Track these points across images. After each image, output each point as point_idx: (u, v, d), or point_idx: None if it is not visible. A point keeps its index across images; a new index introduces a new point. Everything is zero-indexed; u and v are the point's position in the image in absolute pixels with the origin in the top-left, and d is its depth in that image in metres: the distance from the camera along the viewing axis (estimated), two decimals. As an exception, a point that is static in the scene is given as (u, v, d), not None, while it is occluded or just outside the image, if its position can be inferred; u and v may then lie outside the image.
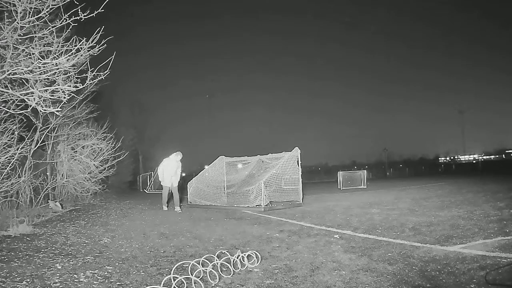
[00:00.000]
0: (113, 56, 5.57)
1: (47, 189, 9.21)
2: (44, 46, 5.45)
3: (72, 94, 5.69)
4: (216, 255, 3.45)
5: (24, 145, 7.27)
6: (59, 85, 5.44)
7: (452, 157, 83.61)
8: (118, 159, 11.17)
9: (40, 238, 5.12)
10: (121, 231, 5.78)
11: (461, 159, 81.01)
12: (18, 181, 7.56)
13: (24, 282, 3.01)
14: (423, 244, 4.07)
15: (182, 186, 10.58)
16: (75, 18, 5.09)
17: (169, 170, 9.08)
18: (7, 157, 6.75)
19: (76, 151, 10.59)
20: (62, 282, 3.03)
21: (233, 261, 3.36)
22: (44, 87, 5.61)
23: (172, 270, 3.07)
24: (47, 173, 9.83)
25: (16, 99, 6.12)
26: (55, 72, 5.40)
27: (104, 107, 13.36)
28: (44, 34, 5.41)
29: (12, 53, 5.33)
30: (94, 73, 5.41)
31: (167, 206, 9.21)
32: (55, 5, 5.19)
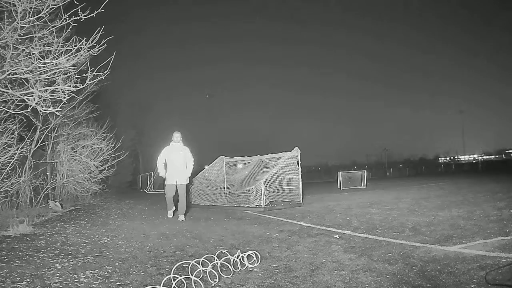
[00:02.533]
0: (113, 56, 5.58)
1: (47, 189, 9.20)
2: (44, 46, 5.45)
3: (72, 94, 5.69)
4: (216, 255, 3.46)
5: (24, 145, 7.27)
6: (59, 85, 5.44)
7: (452, 157, 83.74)
8: (118, 159, 11.16)
9: (40, 238, 5.12)
10: (121, 231, 5.78)
11: (461, 159, 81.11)
12: (18, 181, 7.56)
13: (24, 282, 3.01)
14: (423, 244, 4.07)
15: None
16: (75, 18, 5.10)
17: (174, 162, 6.94)
18: (7, 157, 6.75)
19: (76, 151, 10.58)
20: (62, 282, 3.03)
21: (233, 261, 3.36)
22: (44, 87, 5.61)
23: (172, 270, 3.08)
24: (47, 173, 9.83)
25: (16, 99, 6.12)
26: (55, 72, 5.40)
27: (104, 107, 13.34)
28: (44, 34, 5.41)
29: (12, 53, 5.33)
30: (94, 73, 5.42)
31: (173, 212, 7.24)
32: (55, 5, 5.19)
